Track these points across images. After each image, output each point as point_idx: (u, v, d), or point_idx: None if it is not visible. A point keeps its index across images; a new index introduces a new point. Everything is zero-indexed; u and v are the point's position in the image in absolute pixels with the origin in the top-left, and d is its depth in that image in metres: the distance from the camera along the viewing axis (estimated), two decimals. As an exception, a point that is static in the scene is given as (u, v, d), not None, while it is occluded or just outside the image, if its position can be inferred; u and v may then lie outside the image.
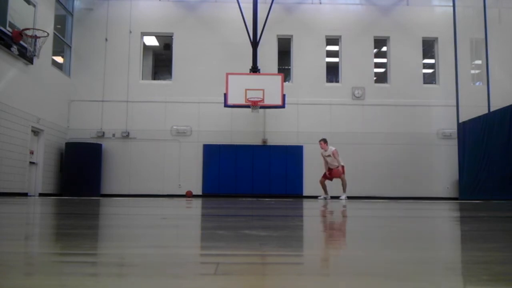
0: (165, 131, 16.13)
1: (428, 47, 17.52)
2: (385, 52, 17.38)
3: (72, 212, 3.97)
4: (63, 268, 1.13)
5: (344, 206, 6.24)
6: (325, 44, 16.84)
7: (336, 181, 12.84)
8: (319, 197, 13.03)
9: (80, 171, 14.79)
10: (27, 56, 12.41)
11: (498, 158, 12.71)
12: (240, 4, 15.00)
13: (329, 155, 12.87)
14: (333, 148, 12.87)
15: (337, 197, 12.66)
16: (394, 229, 2.51)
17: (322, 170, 16.34)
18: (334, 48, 17.15)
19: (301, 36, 16.66)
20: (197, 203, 6.93)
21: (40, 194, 13.90)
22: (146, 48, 17.66)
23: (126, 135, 16.06)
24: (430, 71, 18.12)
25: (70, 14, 16.35)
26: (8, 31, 11.61)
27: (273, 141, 16.18)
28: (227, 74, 14.05)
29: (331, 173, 12.83)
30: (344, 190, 12.66)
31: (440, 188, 16.11)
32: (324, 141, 13.03)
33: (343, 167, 12.78)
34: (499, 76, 15.15)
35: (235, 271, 1.08)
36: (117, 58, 16.31)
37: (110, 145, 15.98)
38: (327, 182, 12.87)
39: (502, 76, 15.44)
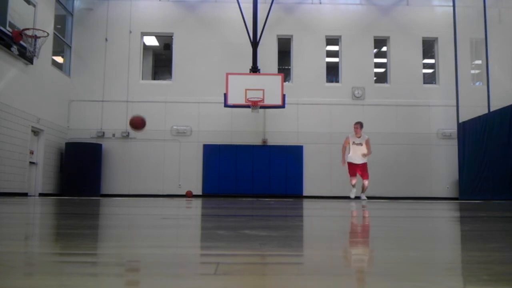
0: (165, 131, 16.13)
1: (428, 47, 17.52)
2: (385, 52, 17.39)
3: (72, 212, 3.97)
4: (63, 268, 1.13)
5: (364, 206, 6.31)
6: (325, 44, 16.84)
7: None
8: (351, 196, 11.57)
9: (80, 171, 14.79)
10: (27, 56, 12.41)
11: (498, 158, 12.70)
12: (240, 4, 15.00)
13: (360, 143, 11.06)
14: (367, 137, 11.18)
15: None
16: (394, 229, 2.50)
17: (323, 170, 16.41)
18: (334, 48, 17.15)
19: (301, 36, 16.66)
20: (197, 203, 6.93)
21: (40, 194, 13.91)
22: (146, 48, 17.66)
23: (126, 135, 16.06)
24: (430, 71, 18.12)
25: (70, 14, 16.35)
26: (8, 31, 11.61)
27: (273, 141, 16.18)
28: (227, 74, 14.05)
29: (358, 170, 11.20)
30: (364, 191, 11.50)
31: (440, 188, 16.11)
32: (361, 125, 11.18)
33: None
34: (499, 76, 15.15)
35: (235, 271, 1.08)
36: (117, 58, 16.32)
37: (110, 145, 15.98)
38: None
39: (502, 76, 15.43)
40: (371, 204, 7.67)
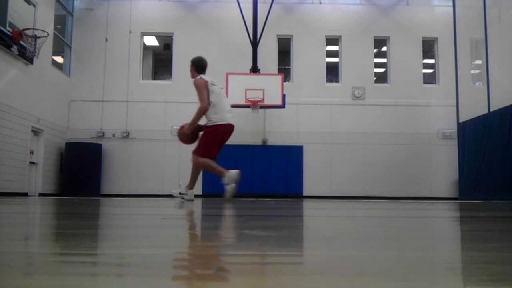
0: (165, 131, 16.12)
1: (428, 47, 17.53)
2: (385, 52, 17.39)
3: (72, 212, 3.97)
4: (63, 268, 1.13)
5: (180, 204, 5.37)
6: (325, 44, 16.85)
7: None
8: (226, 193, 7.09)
9: (80, 171, 14.79)
10: (27, 56, 12.42)
11: (498, 158, 12.71)
12: (240, 4, 15.00)
13: (223, 88, 7.71)
14: (199, 77, 7.17)
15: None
16: (394, 229, 2.50)
17: (323, 170, 16.40)
18: (334, 48, 17.15)
19: (301, 36, 16.67)
20: (197, 203, 6.92)
21: (40, 194, 13.91)
22: (146, 48, 17.66)
23: (126, 135, 16.06)
24: (430, 71, 18.13)
25: (70, 14, 16.35)
26: (8, 31, 11.61)
27: (273, 141, 16.17)
28: (227, 74, 14.06)
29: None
30: (191, 185, 7.30)
31: (440, 188, 16.11)
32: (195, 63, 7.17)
33: (203, 130, 7.07)
34: (499, 76, 15.14)
35: (235, 271, 1.08)
36: (117, 58, 16.32)
37: (110, 145, 15.97)
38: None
39: (502, 76, 15.42)
40: (371, 204, 7.60)
